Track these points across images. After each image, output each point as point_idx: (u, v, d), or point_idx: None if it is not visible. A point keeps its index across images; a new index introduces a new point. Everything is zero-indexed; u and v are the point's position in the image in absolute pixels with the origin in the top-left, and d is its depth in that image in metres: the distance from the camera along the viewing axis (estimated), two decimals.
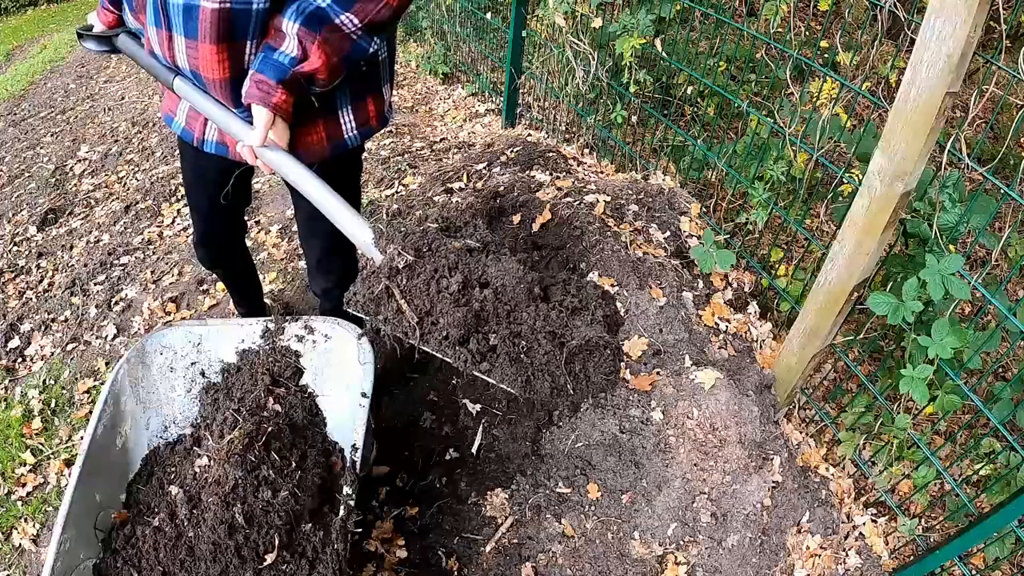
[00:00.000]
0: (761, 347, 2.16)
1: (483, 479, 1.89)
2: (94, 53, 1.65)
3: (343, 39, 1.20)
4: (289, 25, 1.18)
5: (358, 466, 1.44)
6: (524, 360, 1.18)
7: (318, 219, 1.34)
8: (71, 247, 3.20)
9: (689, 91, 2.78)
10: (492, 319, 1.20)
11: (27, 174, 3.98)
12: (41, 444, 2.29)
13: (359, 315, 1.24)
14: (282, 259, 2.81)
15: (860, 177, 1.69)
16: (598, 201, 2.38)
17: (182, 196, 3.33)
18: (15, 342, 2.71)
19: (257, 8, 1.18)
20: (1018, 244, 1.83)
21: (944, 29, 1.32)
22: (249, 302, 2.19)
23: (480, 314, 1.19)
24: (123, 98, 4.81)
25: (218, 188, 1.62)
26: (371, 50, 1.26)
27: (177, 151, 3.40)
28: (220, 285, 2.65)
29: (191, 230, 2.65)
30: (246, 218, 1.95)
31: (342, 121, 1.43)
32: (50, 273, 3.06)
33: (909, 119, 1.44)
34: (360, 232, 1.25)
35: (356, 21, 1.19)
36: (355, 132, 1.46)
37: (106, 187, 3.68)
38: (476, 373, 1.18)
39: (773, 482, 1.86)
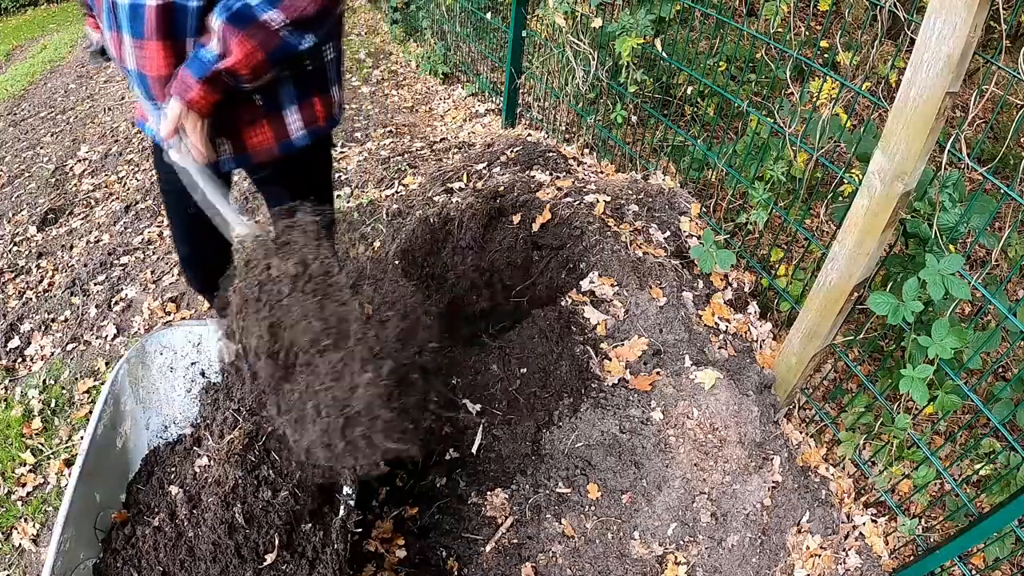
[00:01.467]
0: (761, 347, 2.16)
1: (483, 479, 1.89)
2: (104, 64, 1.69)
3: (269, 36, 1.20)
4: (215, 22, 1.19)
5: None
6: (304, 425, 1.16)
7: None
8: (71, 247, 3.20)
9: (689, 91, 2.78)
10: (294, 370, 1.18)
11: (27, 174, 3.98)
12: (41, 444, 2.29)
13: None
14: None
15: (860, 177, 1.69)
16: (598, 201, 2.38)
17: None
18: (15, 342, 2.71)
19: (193, 6, 1.20)
20: (1018, 244, 1.83)
21: (944, 29, 1.32)
22: None
23: (287, 363, 1.18)
24: (123, 98, 4.81)
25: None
26: (302, 47, 1.24)
27: None
28: None
29: None
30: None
31: (288, 121, 1.43)
32: (50, 273, 3.06)
33: (909, 119, 1.45)
34: (233, 226, 1.28)
35: (283, 17, 1.19)
36: (303, 132, 1.46)
37: (106, 187, 3.68)
38: (281, 429, 1.19)
39: (773, 482, 1.86)
